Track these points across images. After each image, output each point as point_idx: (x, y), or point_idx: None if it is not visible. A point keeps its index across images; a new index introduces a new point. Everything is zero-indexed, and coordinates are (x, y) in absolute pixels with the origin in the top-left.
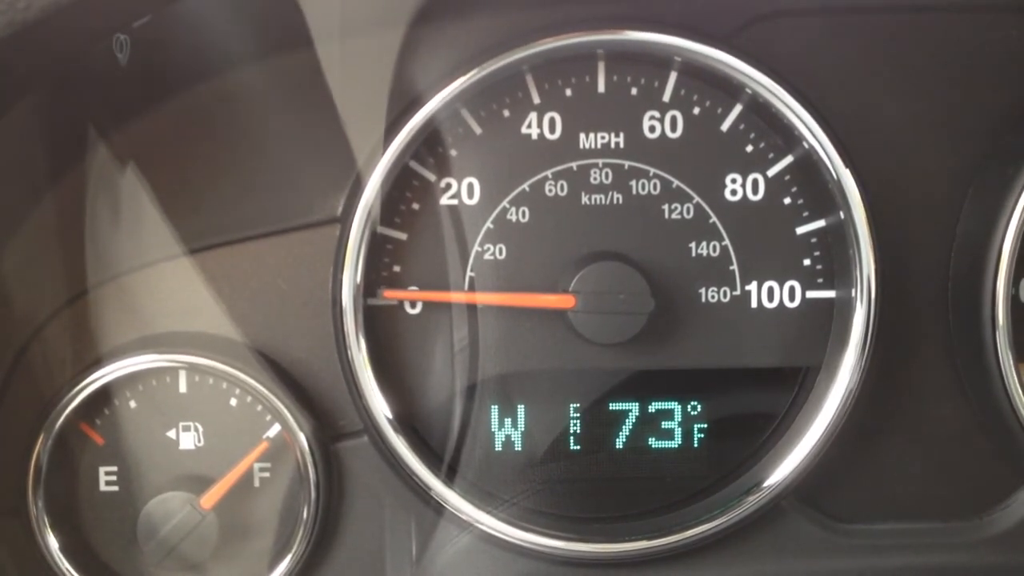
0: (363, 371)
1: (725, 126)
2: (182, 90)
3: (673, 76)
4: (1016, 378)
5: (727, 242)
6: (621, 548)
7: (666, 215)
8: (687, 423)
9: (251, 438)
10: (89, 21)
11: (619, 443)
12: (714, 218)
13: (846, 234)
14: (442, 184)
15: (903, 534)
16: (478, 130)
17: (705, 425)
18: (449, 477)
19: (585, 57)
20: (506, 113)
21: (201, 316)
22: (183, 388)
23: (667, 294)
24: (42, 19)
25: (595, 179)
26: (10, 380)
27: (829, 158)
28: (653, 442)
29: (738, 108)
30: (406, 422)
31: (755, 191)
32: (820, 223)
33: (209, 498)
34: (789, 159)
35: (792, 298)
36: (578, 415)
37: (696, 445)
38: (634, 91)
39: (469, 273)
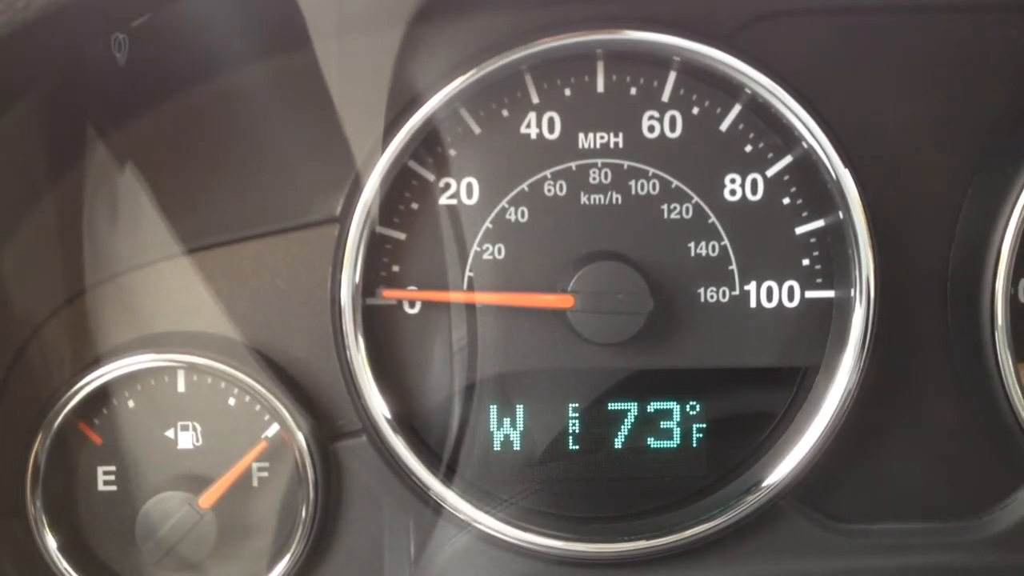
0: (362, 371)
1: (724, 126)
2: (181, 90)
3: (672, 76)
4: (1015, 378)
5: (726, 242)
6: (620, 548)
7: (665, 215)
8: (686, 423)
9: (249, 438)
10: (88, 21)
11: (618, 443)
12: (713, 218)
13: (845, 234)
14: (441, 184)
15: (902, 534)
16: (477, 130)
17: (704, 425)
18: (448, 477)
19: (584, 57)
20: (505, 113)
21: (200, 316)
22: (181, 388)
23: (666, 294)
24: (41, 19)
25: (594, 179)
26: (9, 379)
27: (828, 158)
28: (652, 442)
29: (737, 108)
30: (405, 422)
31: (754, 191)
32: (819, 223)
33: (207, 498)
34: (788, 159)
35: (791, 298)
36: (577, 415)
37: (695, 445)
38: (633, 91)
39: (468, 273)
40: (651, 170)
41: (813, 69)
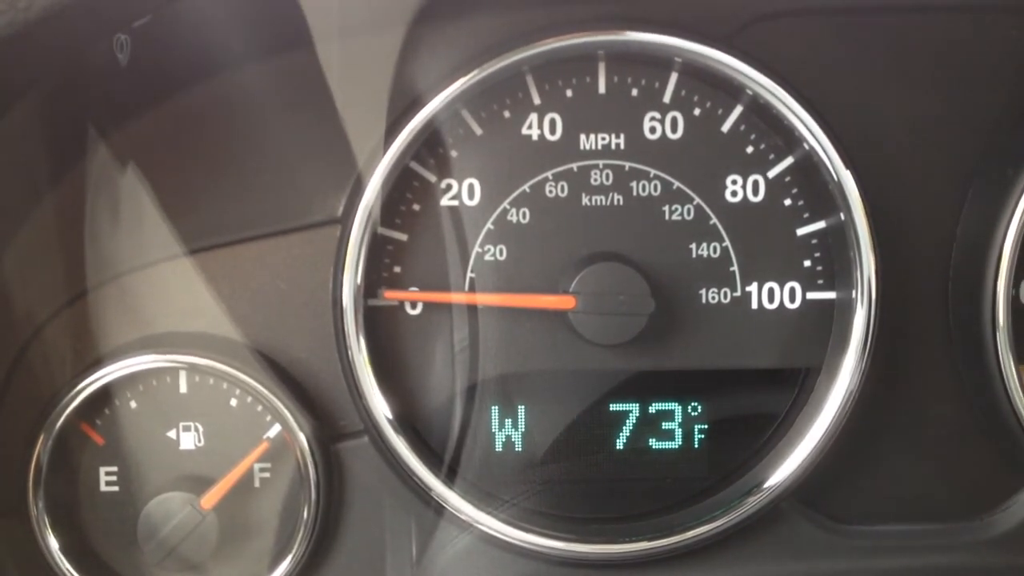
0: (363, 371)
1: (726, 127)
2: (182, 90)
3: (674, 77)
4: (1016, 379)
5: (727, 243)
6: (621, 549)
7: (666, 216)
8: (687, 424)
9: (251, 438)
10: (89, 21)
11: (619, 444)
12: (714, 219)
13: (846, 235)
14: (443, 185)
15: (903, 535)
16: (479, 131)
17: (705, 426)
18: (449, 478)
19: (586, 58)
20: (506, 114)
21: (202, 316)
22: (183, 388)
23: (667, 295)
24: (43, 19)
25: (595, 180)
26: (10, 380)
27: (829, 159)
28: (653, 443)
29: (739, 109)
30: (406, 422)
31: (755, 192)
32: (820, 224)
33: (209, 498)
34: (789, 160)
35: (792, 299)
36: (578, 416)
37: (696, 446)
38: (635, 92)
39: (470, 274)
40: (652, 171)
41: (813, 70)
